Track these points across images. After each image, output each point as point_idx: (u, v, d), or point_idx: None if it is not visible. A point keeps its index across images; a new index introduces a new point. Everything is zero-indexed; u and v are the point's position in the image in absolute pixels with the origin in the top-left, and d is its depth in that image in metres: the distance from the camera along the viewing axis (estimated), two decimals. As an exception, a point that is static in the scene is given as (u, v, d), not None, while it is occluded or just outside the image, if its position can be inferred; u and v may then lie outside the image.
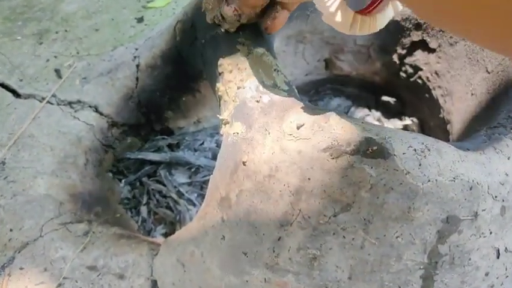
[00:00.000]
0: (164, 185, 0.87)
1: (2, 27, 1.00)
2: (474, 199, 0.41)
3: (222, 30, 0.54)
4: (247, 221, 0.44)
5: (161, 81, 0.85)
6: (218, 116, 0.51)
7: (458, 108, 0.72)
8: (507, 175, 0.43)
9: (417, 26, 0.80)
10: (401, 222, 0.40)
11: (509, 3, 0.20)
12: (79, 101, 0.82)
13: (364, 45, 0.88)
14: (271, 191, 0.42)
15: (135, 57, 0.86)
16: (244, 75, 0.50)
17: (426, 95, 0.83)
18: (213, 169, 0.51)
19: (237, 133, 0.46)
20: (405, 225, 0.40)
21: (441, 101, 0.78)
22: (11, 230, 0.65)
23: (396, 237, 0.40)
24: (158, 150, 0.91)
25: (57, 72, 0.88)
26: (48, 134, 0.77)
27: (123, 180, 0.86)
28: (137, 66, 0.85)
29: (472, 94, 0.67)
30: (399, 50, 0.85)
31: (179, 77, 0.85)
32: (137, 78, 0.85)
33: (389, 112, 0.98)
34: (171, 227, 0.82)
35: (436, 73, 0.79)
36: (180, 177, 0.88)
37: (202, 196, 0.85)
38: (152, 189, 0.86)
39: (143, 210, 0.84)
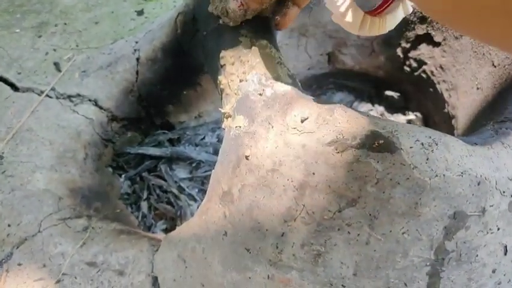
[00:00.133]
0: (165, 180, 0.86)
1: (0, 20, 0.99)
2: (482, 194, 0.40)
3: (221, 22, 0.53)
4: (250, 217, 0.43)
5: (161, 75, 0.85)
6: (220, 109, 0.50)
7: (463, 103, 0.71)
8: (515, 170, 0.43)
9: (422, 19, 0.79)
10: (408, 218, 0.39)
11: None
12: (78, 95, 0.81)
13: (367, 39, 0.87)
14: (274, 185, 0.41)
15: (135, 50, 0.85)
16: (246, 67, 0.49)
17: (431, 90, 0.83)
18: (214, 164, 0.50)
19: (240, 127, 0.45)
20: (411, 220, 0.39)
21: (446, 95, 0.77)
22: (9, 226, 0.64)
23: (403, 233, 0.39)
24: (159, 144, 0.91)
25: (57, 65, 0.87)
26: (47, 128, 0.76)
27: (123, 175, 0.86)
28: (138, 59, 0.84)
29: (478, 88, 0.67)
30: (404, 44, 0.84)
31: (180, 71, 0.84)
32: (137, 72, 0.84)
33: (393, 107, 0.97)
34: (172, 223, 0.82)
35: (441, 67, 0.78)
36: (181, 172, 0.88)
37: (203, 191, 0.85)
38: (153, 184, 0.86)
39: (144, 205, 0.83)
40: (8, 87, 0.83)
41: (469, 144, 0.42)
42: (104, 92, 0.82)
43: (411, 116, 0.93)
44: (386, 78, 0.92)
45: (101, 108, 0.82)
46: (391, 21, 0.40)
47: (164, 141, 0.91)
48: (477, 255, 0.42)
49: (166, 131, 0.93)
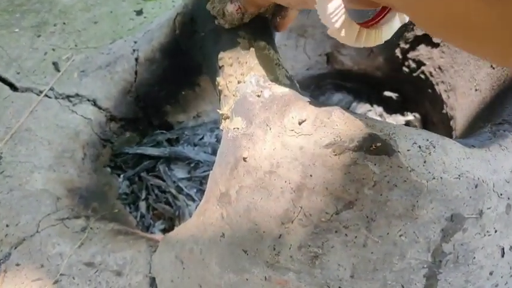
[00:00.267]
0: (163, 180, 0.86)
1: (-1, 19, 0.99)
2: (479, 197, 0.40)
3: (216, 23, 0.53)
4: (248, 218, 0.43)
5: (160, 75, 0.85)
6: (218, 110, 0.50)
7: (461, 104, 0.71)
8: (513, 173, 0.43)
9: (421, 20, 0.78)
10: (405, 220, 0.39)
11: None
12: (77, 95, 0.81)
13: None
14: (272, 187, 0.41)
15: (134, 50, 0.85)
16: (244, 69, 0.49)
17: (429, 91, 0.83)
18: (212, 164, 0.50)
19: (238, 128, 0.46)
20: (409, 223, 0.39)
21: (444, 96, 0.77)
22: (7, 226, 0.64)
23: (400, 236, 0.39)
24: (158, 144, 0.91)
25: (55, 65, 0.87)
26: (46, 128, 0.76)
27: (121, 175, 0.86)
28: (136, 59, 0.84)
29: (476, 90, 0.67)
30: (402, 45, 0.84)
31: (178, 71, 0.84)
32: (136, 72, 0.84)
33: (391, 107, 0.97)
34: (170, 223, 0.82)
35: (439, 68, 0.78)
36: (179, 172, 0.88)
37: (201, 191, 0.85)
38: (151, 185, 0.86)
39: (142, 205, 0.83)
40: (6, 87, 0.83)
41: (467, 147, 0.42)
42: (103, 92, 0.82)
43: (409, 116, 0.93)
44: (384, 78, 0.92)
45: (99, 108, 0.82)
46: (387, 31, 0.40)
47: (163, 141, 0.91)
48: (474, 258, 0.42)
49: (165, 131, 0.93)
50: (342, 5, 0.34)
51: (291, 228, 0.41)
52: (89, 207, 0.70)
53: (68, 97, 0.81)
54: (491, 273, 0.44)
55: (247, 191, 0.43)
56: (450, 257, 0.41)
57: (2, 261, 0.61)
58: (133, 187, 0.85)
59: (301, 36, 0.86)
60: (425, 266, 0.41)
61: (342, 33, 0.36)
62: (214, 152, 0.89)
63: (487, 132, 0.49)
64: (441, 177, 0.38)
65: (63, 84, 0.83)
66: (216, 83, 0.52)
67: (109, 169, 0.84)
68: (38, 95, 0.81)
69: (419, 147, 0.39)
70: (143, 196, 0.84)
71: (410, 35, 0.82)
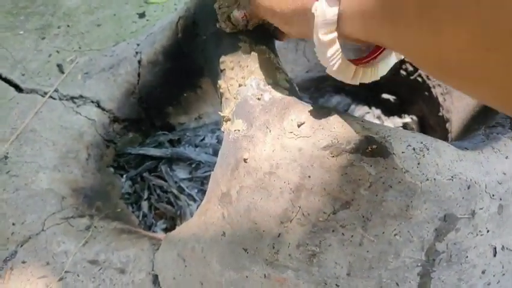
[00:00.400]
0: (165, 180, 0.87)
1: (4, 22, 1.00)
2: (471, 198, 0.41)
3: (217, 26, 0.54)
4: (248, 218, 0.44)
5: (162, 77, 0.86)
6: (219, 112, 0.51)
7: (457, 107, 0.72)
8: (505, 174, 0.44)
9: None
10: (400, 220, 0.40)
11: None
12: (81, 96, 0.83)
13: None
14: (271, 188, 0.43)
15: (137, 52, 0.86)
16: (245, 72, 0.50)
17: (426, 93, 0.84)
18: (213, 165, 0.51)
19: (238, 130, 0.47)
20: (403, 223, 0.40)
21: (440, 99, 0.79)
22: (13, 224, 0.65)
23: (395, 235, 0.41)
24: (159, 145, 0.92)
25: (60, 67, 0.88)
26: (51, 129, 0.77)
27: (124, 175, 0.87)
28: (139, 62, 0.85)
29: (472, 93, 0.68)
30: (400, 48, 0.85)
31: (180, 73, 0.85)
32: (139, 74, 0.85)
33: (389, 110, 0.98)
34: (172, 222, 0.83)
35: (436, 71, 0.79)
36: (181, 172, 0.89)
37: (202, 191, 0.86)
38: (153, 185, 0.87)
39: (144, 205, 0.84)
40: (12, 89, 0.84)
41: (460, 149, 0.43)
42: (106, 93, 0.83)
43: (407, 119, 0.94)
44: (382, 81, 0.93)
45: (103, 109, 0.83)
46: (383, 68, 0.40)
47: (165, 142, 0.92)
48: (467, 257, 0.43)
49: (167, 132, 0.94)
50: (340, 49, 0.35)
51: (289, 228, 0.42)
52: (93, 206, 0.72)
53: (72, 98, 0.82)
54: (483, 272, 0.45)
55: (248, 191, 0.44)
56: (443, 255, 0.42)
57: (8, 258, 0.62)
58: (136, 187, 0.87)
59: (301, 39, 0.87)
60: (419, 264, 0.42)
61: (340, 74, 0.37)
62: (215, 153, 0.90)
63: (480, 135, 0.50)
64: (434, 179, 0.39)
65: (67, 86, 0.84)
66: (218, 85, 0.53)
67: (112, 169, 0.85)
68: (42, 96, 0.82)
69: (413, 149, 0.40)
70: (145, 196, 0.85)
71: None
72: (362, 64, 0.39)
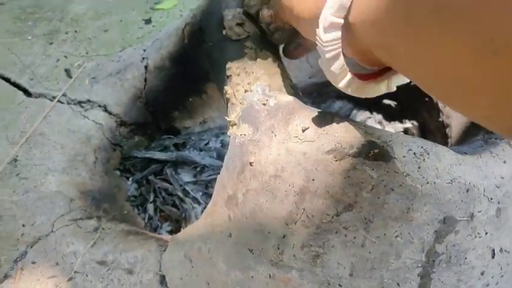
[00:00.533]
0: (170, 183, 0.88)
1: (12, 27, 1.01)
2: (470, 201, 0.42)
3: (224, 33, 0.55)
4: (253, 219, 0.45)
5: (168, 82, 0.87)
6: (226, 117, 0.52)
7: (457, 113, 0.73)
8: (503, 178, 0.45)
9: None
10: (401, 222, 0.41)
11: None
12: (88, 101, 0.84)
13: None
14: (276, 190, 0.43)
15: (143, 58, 0.87)
16: (251, 78, 0.51)
17: (426, 99, 0.84)
18: (217, 168, 0.52)
19: (244, 135, 0.47)
20: (404, 225, 0.41)
21: (441, 105, 0.79)
22: (23, 226, 0.66)
23: (396, 237, 0.41)
24: (165, 149, 0.93)
25: (68, 72, 0.89)
26: (59, 133, 0.79)
27: (130, 178, 0.88)
28: (146, 67, 0.86)
29: (472, 99, 0.68)
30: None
31: (186, 78, 0.86)
32: (145, 79, 0.86)
33: (390, 115, 0.98)
34: (177, 225, 0.84)
35: (437, 77, 0.80)
36: (186, 176, 0.90)
37: (207, 194, 0.87)
38: (159, 187, 0.88)
39: (150, 207, 0.85)
40: (21, 93, 0.85)
41: (459, 154, 0.43)
42: (113, 98, 0.84)
43: (408, 124, 0.94)
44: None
45: (110, 113, 0.84)
46: (387, 85, 0.41)
47: (170, 146, 0.93)
48: (466, 258, 0.44)
49: (172, 136, 0.95)
50: (345, 65, 0.36)
51: (294, 229, 0.43)
52: (101, 208, 0.73)
53: (80, 103, 0.84)
54: (482, 273, 0.46)
55: (254, 194, 0.45)
56: (443, 257, 0.43)
57: (18, 259, 0.63)
58: (141, 190, 0.87)
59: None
60: (419, 265, 0.43)
61: (348, 90, 0.38)
62: (219, 157, 0.91)
63: (479, 140, 0.51)
64: (434, 182, 0.40)
65: (75, 91, 0.85)
66: (224, 91, 0.54)
67: (118, 172, 0.86)
68: (51, 100, 0.84)
69: (414, 153, 0.41)
70: (151, 198, 0.86)
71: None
72: (367, 81, 0.39)
